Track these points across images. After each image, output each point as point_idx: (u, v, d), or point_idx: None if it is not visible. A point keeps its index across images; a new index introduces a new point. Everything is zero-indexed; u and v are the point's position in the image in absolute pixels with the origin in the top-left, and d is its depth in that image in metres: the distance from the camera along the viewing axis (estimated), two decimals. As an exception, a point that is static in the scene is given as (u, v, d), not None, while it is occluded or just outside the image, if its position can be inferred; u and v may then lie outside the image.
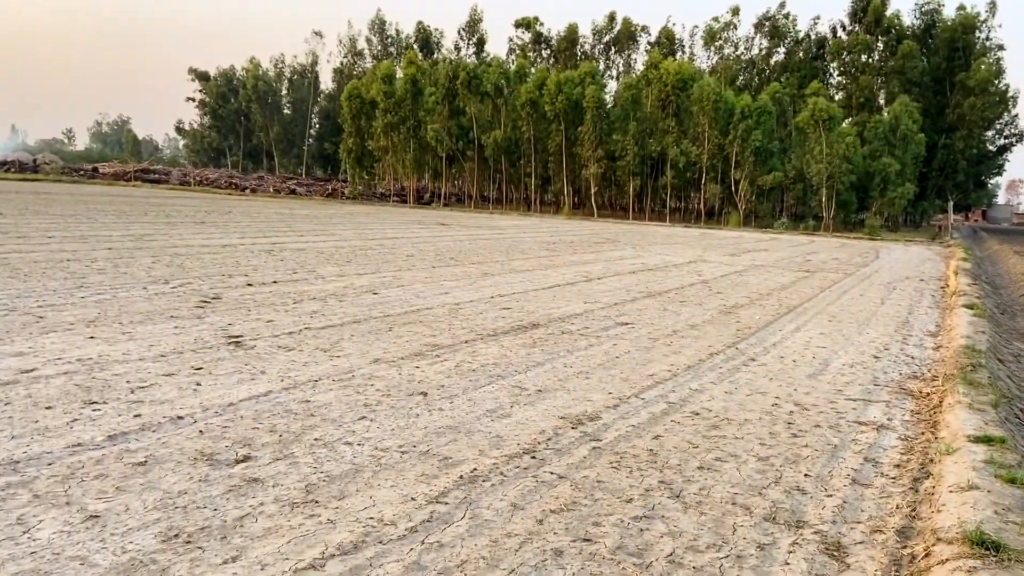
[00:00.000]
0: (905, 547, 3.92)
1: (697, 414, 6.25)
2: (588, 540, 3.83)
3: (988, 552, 3.59)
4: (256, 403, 5.80)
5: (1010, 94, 58.72)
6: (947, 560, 3.59)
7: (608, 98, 58.55)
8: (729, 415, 6.26)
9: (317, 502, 4.10)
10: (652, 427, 5.81)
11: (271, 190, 67.48)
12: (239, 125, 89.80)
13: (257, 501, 4.07)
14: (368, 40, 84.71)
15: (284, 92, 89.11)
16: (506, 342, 8.66)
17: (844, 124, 51.74)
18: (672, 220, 53.79)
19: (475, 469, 4.72)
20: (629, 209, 56.53)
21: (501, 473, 4.68)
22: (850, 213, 50.70)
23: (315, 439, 5.08)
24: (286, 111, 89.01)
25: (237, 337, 8.08)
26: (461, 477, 4.58)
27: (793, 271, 19.68)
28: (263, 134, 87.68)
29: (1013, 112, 60.21)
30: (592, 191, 56.41)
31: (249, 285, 11.88)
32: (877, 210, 49.50)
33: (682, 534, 3.97)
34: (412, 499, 4.22)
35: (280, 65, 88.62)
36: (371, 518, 3.93)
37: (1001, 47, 57.95)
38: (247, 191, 66.43)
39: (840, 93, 60.56)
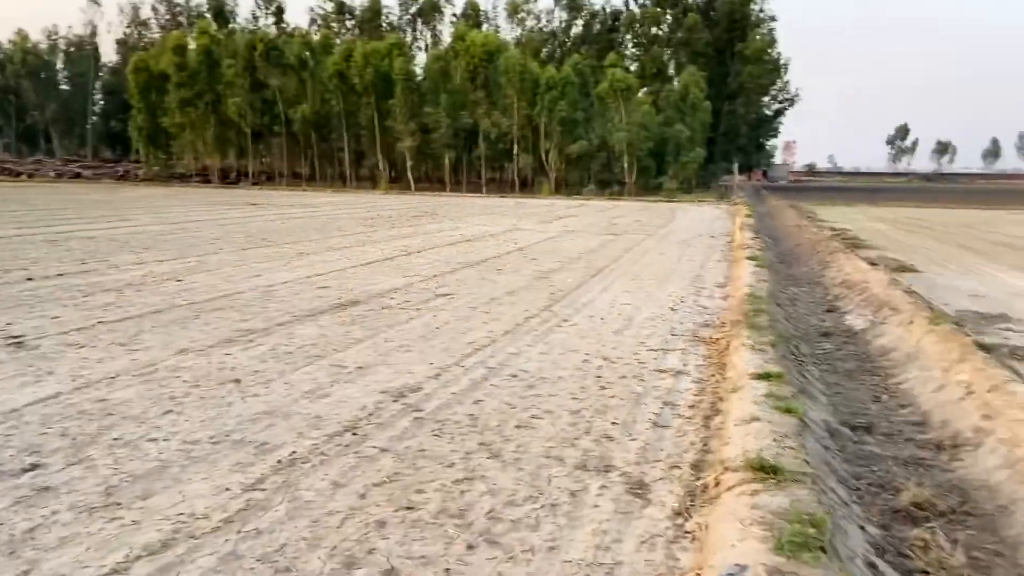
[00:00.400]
0: (699, 479, 4.33)
1: (515, 376, 6.47)
2: (411, 508, 3.89)
3: (768, 475, 4.03)
4: (44, 406, 5.31)
5: (782, 62, 64.33)
6: (734, 486, 4.00)
7: (418, 70, 58.09)
8: (544, 374, 6.55)
9: (119, 504, 3.85)
10: (472, 393, 5.96)
11: (52, 174, 61.02)
12: (8, 104, 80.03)
13: (49, 510, 3.76)
14: (154, 8, 78.24)
15: (60, 66, 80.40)
16: (324, 321, 8.49)
17: (640, 94, 54.72)
18: (488, 191, 54.58)
19: (294, 452, 4.62)
20: (446, 182, 56.70)
21: (321, 453, 4.62)
22: (650, 178, 53.86)
23: (114, 439, 4.75)
24: (64, 87, 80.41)
25: (18, 337, 7.33)
26: (279, 462, 4.47)
27: (601, 235, 20.70)
28: (38, 113, 78.80)
29: (785, 79, 66.16)
30: (408, 165, 55.96)
31: (30, 280, 10.76)
32: (673, 174, 52.94)
33: (501, 491, 4.13)
34: (227, 489, 4.07)
35: (54, 37, 79.78)
36: (181, 514, 3.76)
37: (773, 18, 63.43)
38: (23, 176, 59.64)
39: (635, 64, 63.79)
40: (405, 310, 9.29)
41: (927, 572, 3.61)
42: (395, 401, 5.68)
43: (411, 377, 6.33)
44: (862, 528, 4.01)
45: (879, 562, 3.62)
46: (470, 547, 3.49)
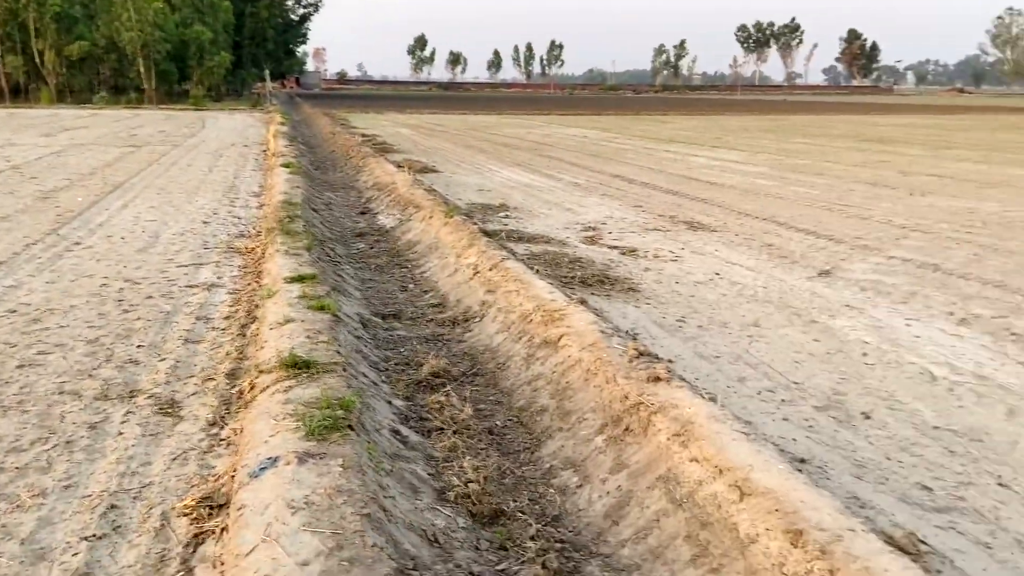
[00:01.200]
0: (234, 387, 4.29)
1: (14, 311, 5.58)
2: None
3: (301, 371, 4.15)
4: None
5: (298, -37, 63.59)
6: (268, 387, 4.05)
7: None
8: (52, 305, 5.75)
9: None
10: (-46, 338, 4.98)
11: None
12: None
13: None
14: None
15: None
16: None
17: (151, -12, 49.28)
18: (-36, 99, 44.58)
19: None
20: None
21: None
22: (173, 84, 49.54)
23: None
24: None
25: None
26: None
27: (118, 147, 18.53)
28: None
29: (307, -19, 65.61)
30: None
31: None
32: (199, 80, 49.44)
33: (1, 440, 3.58)
34: None
35: None
36: None
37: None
38: None
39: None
40: None
41: (442, 428, 4.15)
42: None
43: None
44: (389, 402, 4.42)
45: (403, 428, 4.06)
46: (-42, 510, 2.98)
